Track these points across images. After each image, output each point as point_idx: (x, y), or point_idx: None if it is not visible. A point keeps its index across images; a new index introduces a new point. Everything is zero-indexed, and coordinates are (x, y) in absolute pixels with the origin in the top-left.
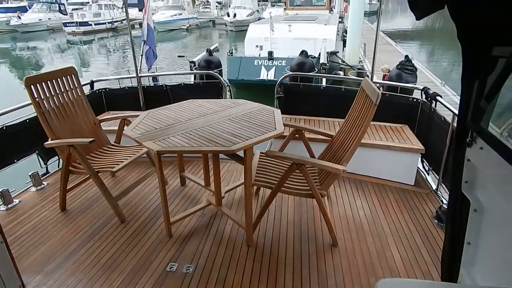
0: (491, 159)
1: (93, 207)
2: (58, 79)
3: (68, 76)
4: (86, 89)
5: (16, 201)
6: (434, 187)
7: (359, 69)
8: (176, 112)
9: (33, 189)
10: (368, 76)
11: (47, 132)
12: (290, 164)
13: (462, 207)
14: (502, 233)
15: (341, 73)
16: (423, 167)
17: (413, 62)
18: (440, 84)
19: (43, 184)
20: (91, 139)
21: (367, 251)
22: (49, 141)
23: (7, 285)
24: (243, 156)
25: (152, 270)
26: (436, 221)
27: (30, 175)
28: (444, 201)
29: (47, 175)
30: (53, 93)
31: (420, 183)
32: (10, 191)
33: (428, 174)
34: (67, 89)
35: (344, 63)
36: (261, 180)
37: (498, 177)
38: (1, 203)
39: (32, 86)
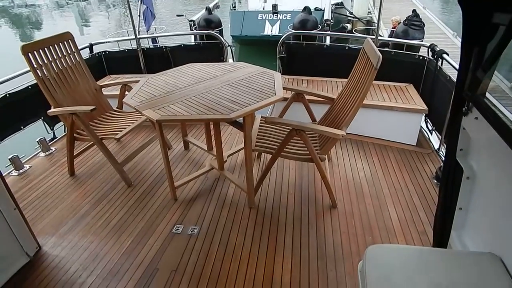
0: (485, 129)
1: (101, 172)
2: (55, 45)
3: (65, 42)
4: (86, 53)
5: (26, 166)
6: (437, 147)
7: (367, 21)
8: (175, 77)
9: (42, 154)
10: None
11: (49, 100)
12: (289, 129)
13: (456, 174)
14: (492, 200)
15: (349, 25)
16: (427, 126)
17: (420, 17)
18: (452, 35)
19: (51, 150)
20: (93, 107)
21: (365, 212)
22: (52, 109)
23: (25, 247)
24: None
25: (159, 232)
26: (435, 181)
27: (38, 141)
28: None
29: (54, 140)
30: (51, 59)
31: (422, 143)
32: (20, 157)
33: (431, 133)
34: (65, 54)
35: (352, 15)
36: (262, 145)
37: (491, 147)
38: (13, 168)
39: (29, 54)
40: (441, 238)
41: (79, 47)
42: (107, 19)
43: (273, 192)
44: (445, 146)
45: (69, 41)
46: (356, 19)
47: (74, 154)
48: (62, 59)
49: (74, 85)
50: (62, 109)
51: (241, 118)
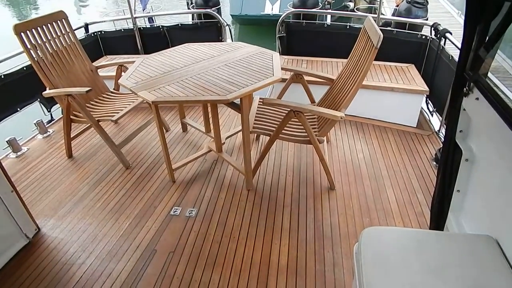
0: (485, 111)
1: (98, 154)
2: (49, 25)
3: (58, 21)
4: (81, 33)
5: (24, 148)
6: (437, 128)
7: None
8: (172, 58)
9: (40, 136)
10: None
11: (43, 81)
12: (288, 111)
13: (454, 155)
14: (490, 183)
15: (351, 4)
16: (427, 108)
17: None
18: (457, 14)
19: (49, 132)
20: (88, 89)
21: (363, 194)
22: (47, 91)
23: (24, 229)
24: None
25: (157, 214)
26: (434, 163)
27: (35, 123)
28: None
29: (52, 122)
30: (44, 39)
31: (422, 124)
32: (17, 139)
33: (432, 115)
34: (59, 34)
35: None
36: (260, 127)
37: (491, 129)
38: (11, 151)
39: (22, 34)
40: (438, 220)
41: (75, 27)
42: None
43: (271, 174)
44: (445, 126)
45: (63, 20)
46: None
47: (72, 136)
48: (56, 39)
49: (69, 66)
50: (57, 90)
51: (239, 99)
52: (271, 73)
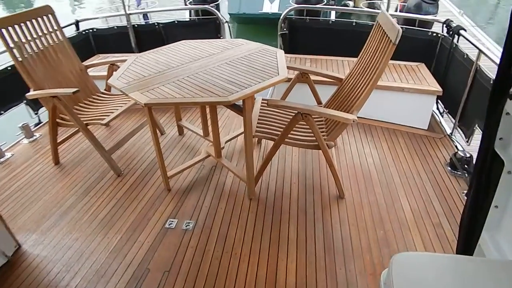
0: None
1: (88, 159)
2: (33, 21)
3: (44, 17)
4: (72, 30)
5: (8, 154)
6: (449, 131)
7: None
8: (167, 56)
9: (26, 141)
10: (380, 7)
11: (27, 82)
12: (294, 113)
13: (493, 166)
14: None
15: (351, 3)
16: (438, 108)
17: None
18: (458, 13)
19: (35, 136)
20: (75, 89)
21: (375, 202)
22: (31, 92)
23: (2, 247)
24: (242, 105)
25: (150, 227)
26: (449, 168)
27: (20, 127)
28: (459, 147)
29: (39, 125)
30: (29, 38)
31: (434, 127)
32: (1, 144)
33: (442, 116)
34: (45, 32)
35: None
36: (263, 131)
37: None
38: None
39: (3, 30)
40: (468, 240)
41: (65, 25)
42: None
43: (275, 181)
44: (482, 133)
45: (49, 15)
46: None
47: (59, 141)
48: (42, 37)
49: (56, 65)
50: (42, 91)
51: (241, 101)
52: (275, 72)
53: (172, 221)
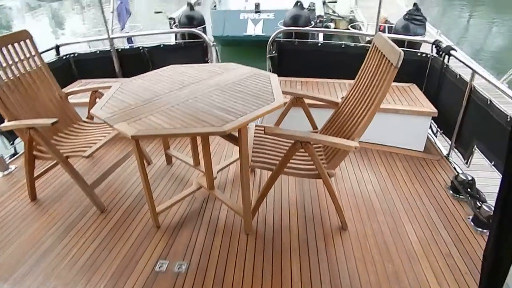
0: None
1: (68, 194)
2: (9, 47)
3: (21, 42)
4: (52, 55)
5: None
6: (445, 152)
7: (350, 19)
8: (154, 82)
9: None
10: (361, 28)
11: (1, 112)
12: (292, 141)
13: None
14: None
15: (332, 25)
16: (431, 130)
17: (421, 11)
18: (436, 33)
19: (11, 168)
20: (54, 120)
21: (379, 232)
22: (5, 123)
23: None
24: (237, 135)
25: (138, 271)
26: (451, 191)
27: None
28: (458, 169)
29: (15, 157)
30: (4, 65)
31: (429, 148)
32: None
33: (436, 137)
34: (22, 58)
35: (336, 14)
36: (259, 161)
37: None
38: None
39: None
40: (493, 279)
41: (44, 49)
42: (82, 20)
43: (272, 213)
44: (504, 161)
45: (27, 41)
46: (340, 17)
47: (36, 175)
48: (18, 63)
49: (33, 93)
50: (17, 122)
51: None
52: (271, 98)
53: (163, 263)
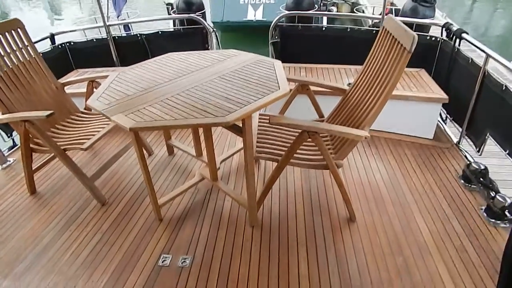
0: None
1: (68, 187)
2: (0, 36)
3: (13, 32)
4: (47, 45)
5: None
6: (455, 140)
7: (353, 3)
8: (153, 71)
9: None
10: (364, 12)
11: None
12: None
13: None
14: None
15: (334, 9)
16: (440, 116)
17: None
18: (441, 16)
19: (9, 161)
20: (49, 112)
21: (389, 224)
22: None
23: None
24: (241, 125)
25: (141, 265)
26: (462, 181)
27: None
28: (469, 157)
29: (14, 149)
30: None
31: (439, 136)
32: None
33: (445, 123)
34: (15, 48)
35: None
36: (265, 151)
37: None
38: None
39: None
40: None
41: (38, 39)
42: (80, 9)
43: (278, 203)
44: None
45: (19, 30)
46: (342, 1)
47: (35, 168)
48: (11, 54)
49: (28, 85)
50: (11, 115)
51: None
52: (276, 86)
53: (166, 257)
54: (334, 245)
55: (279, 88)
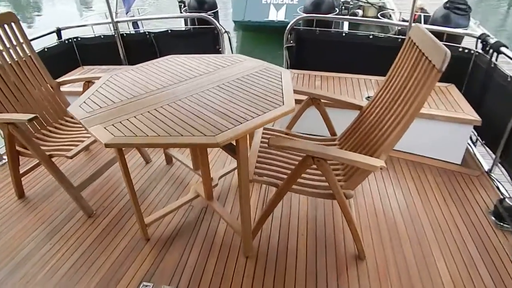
0: None
1: (56, 193)
2: None
3: (6, 26)
4: (53, 39)
5: None
6: (487, 167)
7: (380, 7)
8: (148, 75)
9: None
10: (391, 17)
11: None
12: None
13: None
14: None
15: (360, 11)
16: (471, 139)
17: None
18: (474, 24)
19: (4, 159)
20: (31, 116)
21: (403, 263)
22: None
23: None
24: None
25: None
26: (493, 218)
27: None
28: (502, 190)
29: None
30: None
31: (468, 161)
32: None
33: (475, 146)
34: (8, 45)
35: (364, 0)
36: (264, 173)
37: None
38: None
39: None
40: None
41: (45, 33)
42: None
43: (278, 232)
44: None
45: (12, 24)
46: (369, 4)
47: (25, 170)
48: (3, 51)
49: (20, 84)
50: None
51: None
52: (280, 100)
53: (147, 286)
54: (337, 284)
55: (283, 104)
